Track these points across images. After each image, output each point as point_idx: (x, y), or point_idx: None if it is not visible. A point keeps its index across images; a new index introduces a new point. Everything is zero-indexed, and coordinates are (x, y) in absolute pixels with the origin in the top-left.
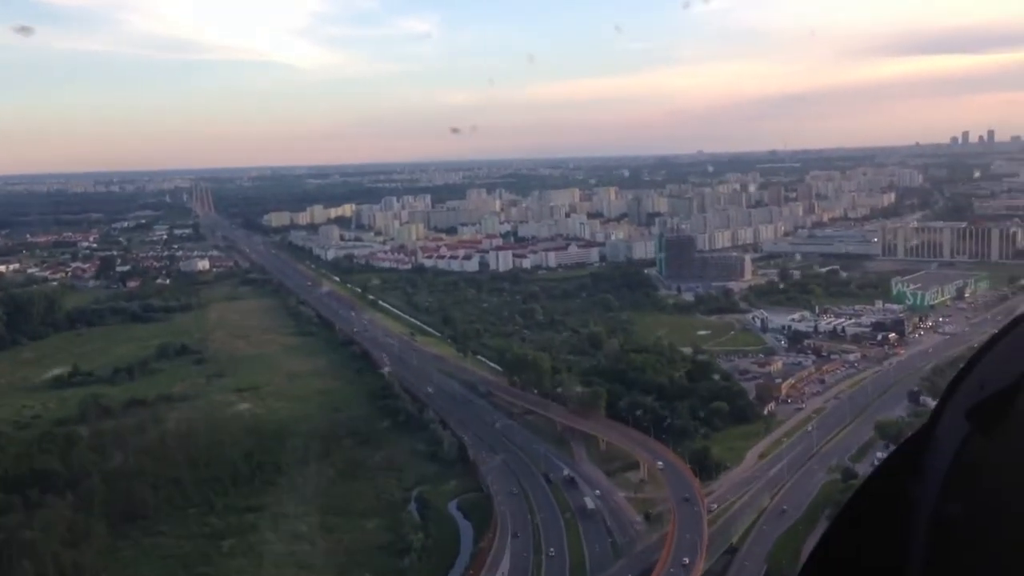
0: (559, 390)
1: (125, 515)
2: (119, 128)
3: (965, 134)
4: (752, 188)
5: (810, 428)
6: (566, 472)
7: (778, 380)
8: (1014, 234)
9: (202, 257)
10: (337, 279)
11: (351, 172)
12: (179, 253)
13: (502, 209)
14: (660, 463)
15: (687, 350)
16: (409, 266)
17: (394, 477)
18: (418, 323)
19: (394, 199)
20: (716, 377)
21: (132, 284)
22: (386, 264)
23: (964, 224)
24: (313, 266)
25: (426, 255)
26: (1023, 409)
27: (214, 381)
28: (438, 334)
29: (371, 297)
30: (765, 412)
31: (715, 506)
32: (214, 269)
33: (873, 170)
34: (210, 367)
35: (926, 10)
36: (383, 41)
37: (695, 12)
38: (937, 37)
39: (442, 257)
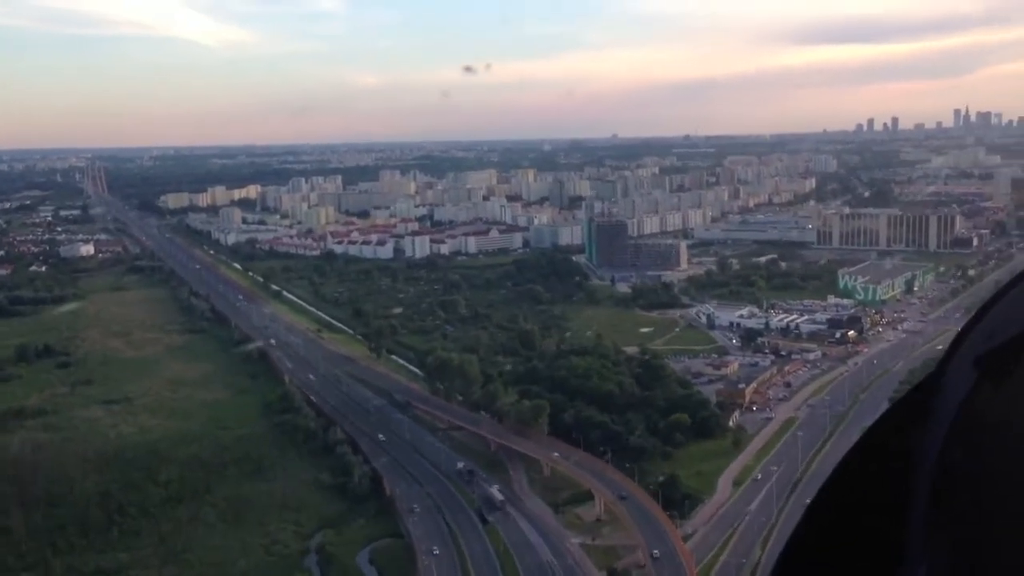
0: (494, 401)
1: None
2: (9, 104)
3: (870, 121)
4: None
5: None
6: (502, 503)
7: (740, 385)
8: (952, 222)
9: (87, 241)
10: (237, 266)
11: (259, 153)
12: (62, 237)
13: (417, 192)
14: (622, 495)
15: (632, 350)
16: (317, 252)
17: (290, 520)
18: (326, 317)
19: (303, 180)
20: (671, 383)
21: (2, 271)
22: (292, 249)
23: (899, 211)
24: (211, 251)
25: (336, 240)
26: None
27: (79, 390)
28: (349, 330)
29: (274, 287)
30: (731, 424)
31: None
32: (99, 255)
33: (788, 156)
34: (76, 372)
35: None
36: (288, 19)
37: None
38: (841, 26)
39: (354, 242)
